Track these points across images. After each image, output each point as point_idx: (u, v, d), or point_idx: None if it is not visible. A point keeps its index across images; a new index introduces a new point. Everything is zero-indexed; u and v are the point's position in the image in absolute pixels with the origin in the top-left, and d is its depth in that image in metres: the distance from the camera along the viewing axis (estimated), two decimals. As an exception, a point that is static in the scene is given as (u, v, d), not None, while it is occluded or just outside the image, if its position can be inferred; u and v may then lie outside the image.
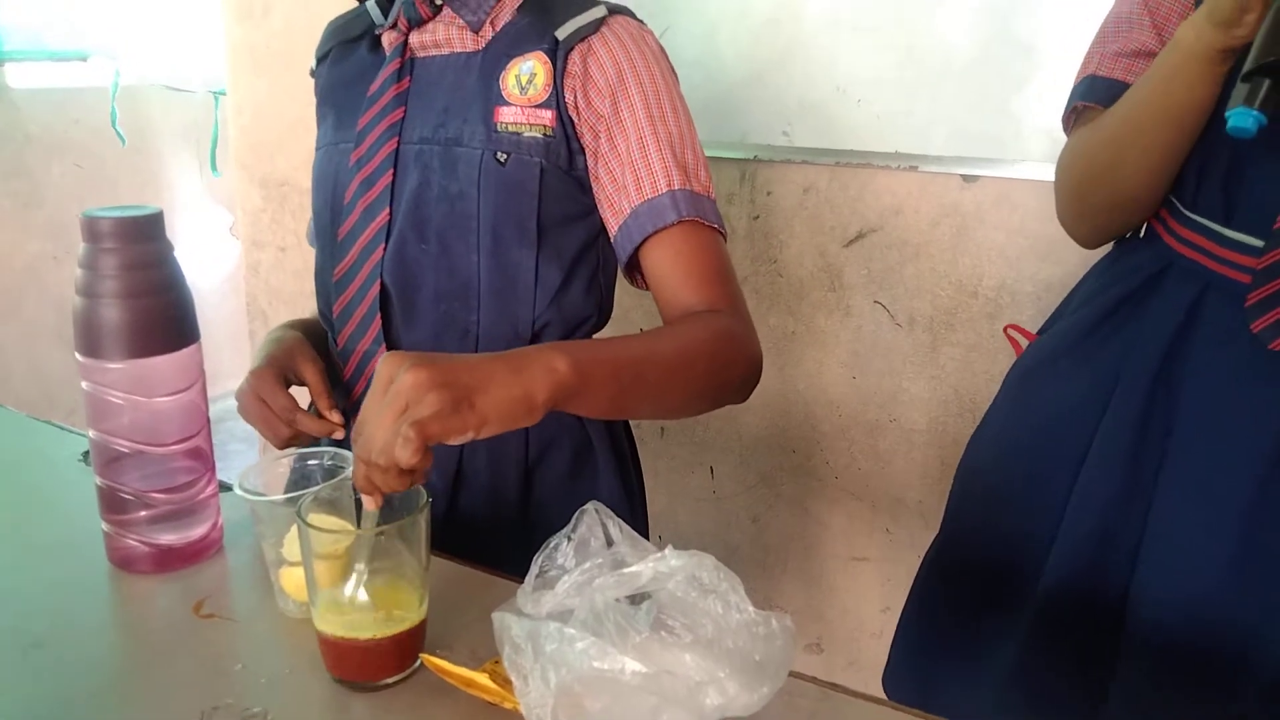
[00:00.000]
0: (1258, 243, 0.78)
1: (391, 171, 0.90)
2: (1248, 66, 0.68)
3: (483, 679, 0.61)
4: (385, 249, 0.90)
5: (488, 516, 0.92)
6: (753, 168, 1.48)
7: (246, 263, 2.11)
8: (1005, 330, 0.99)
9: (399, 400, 0.59)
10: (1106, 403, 0.86)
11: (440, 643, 0.66)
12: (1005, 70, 1.25)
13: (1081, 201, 0.91)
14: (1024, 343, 0.98)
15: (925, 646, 1.03)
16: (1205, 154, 0.81)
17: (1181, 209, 0.85)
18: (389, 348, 0.91)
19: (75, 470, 0.94)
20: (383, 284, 0.90)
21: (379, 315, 0.91)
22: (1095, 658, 0.86)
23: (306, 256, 1.93)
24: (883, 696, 0.66)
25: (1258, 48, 0.68)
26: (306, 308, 1.80)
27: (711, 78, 1.45)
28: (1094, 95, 0.89)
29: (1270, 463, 0.77)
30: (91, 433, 0.75)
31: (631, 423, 1.66)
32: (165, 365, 0.74)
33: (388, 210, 0.90)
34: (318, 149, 0.98)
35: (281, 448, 0.91)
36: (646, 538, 0.97)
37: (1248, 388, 0.79)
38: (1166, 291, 0.85)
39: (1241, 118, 0.67)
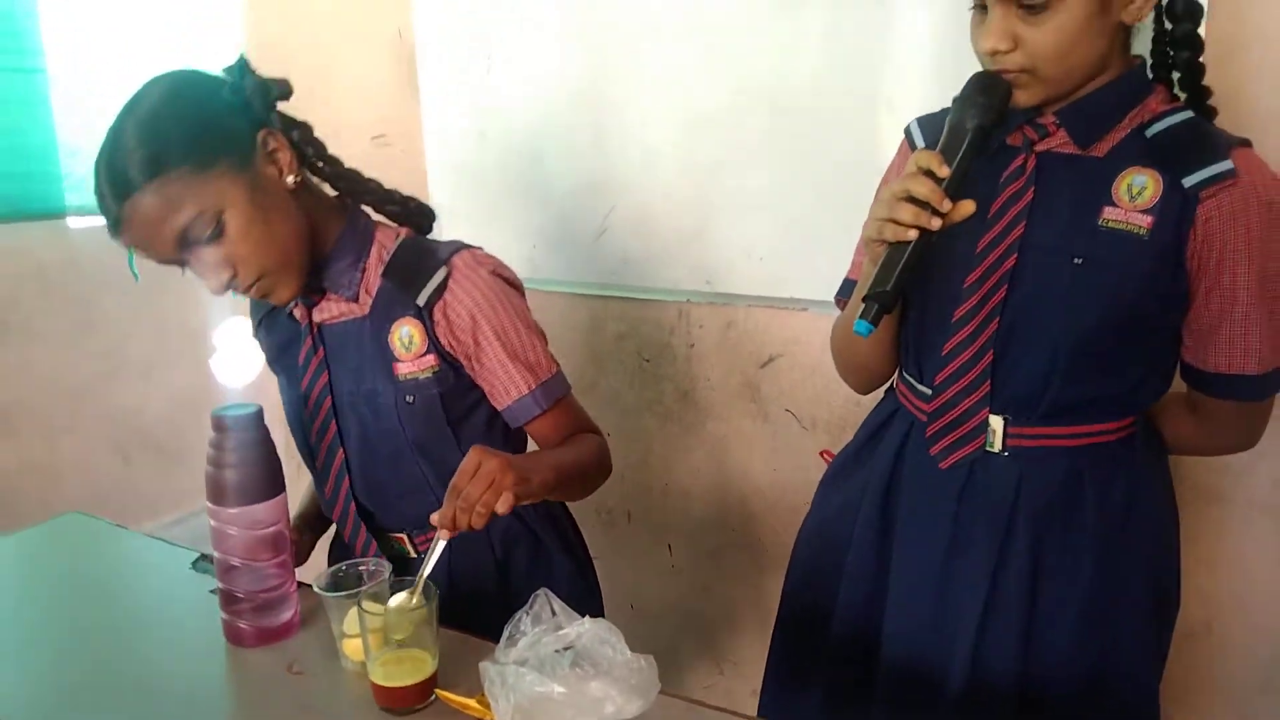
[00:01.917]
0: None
1: (335, 421, 1.27)
2: (864, 293, 1.00)
3: (473, 704, 0.99)
4: (350, 478, 1.29)
5: (474, 604, 1.29)
6: (687, 308, 1.88)
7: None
8: (821, 454, 1.38)
9: (489, 476, 1.02)
10: (861, 506, 1.23)
11: (448, 683, 1.03)
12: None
13: (839, 364, 1.30)
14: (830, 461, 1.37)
15: (778, 694, 1.39)
16: (907, 335, 1.19)
17: (902, 371, 1.23)
18: (376, 538, 1.31)
19: (188, 575, 1.32)
20: (357, 500, 1.30)
21: (363, 524, 1.30)
22: (866, 681, 1.22)
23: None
24: (738, 711, 1.02)
25: (872, 280, 1.00)
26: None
27: (650, 242, 1.86)
28: (845, 293, 1.25)
29: (949, 544, 1.14)
30: (216, 554, 1.13)
31: (601, 511, 2.05)
32: (264, 509, 1.12)
33: (342, 450, 1.28)
34: (284, 399, 1.35)
35: None
36: (599, 593, 1.38)
37: (933, 494, 1.16)
38: (892, 428, 1.22)
39: (860, 325, 0.98)
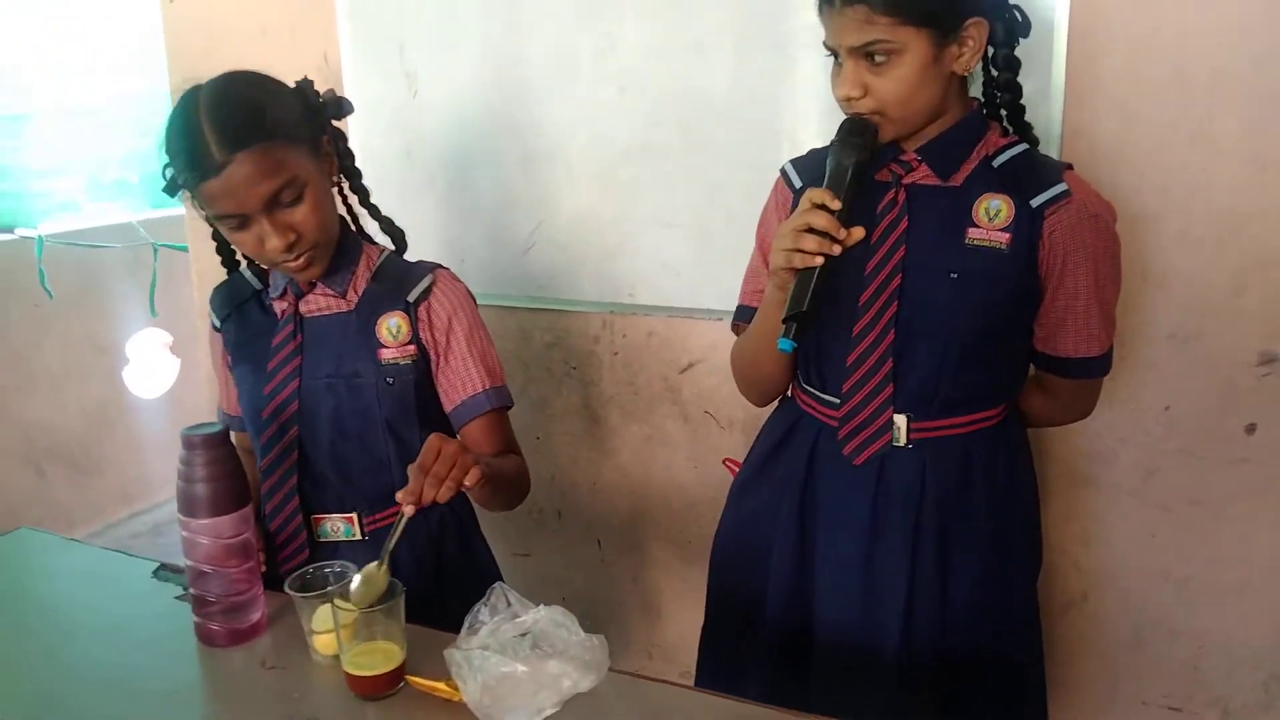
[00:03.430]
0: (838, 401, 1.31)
1: (296, 402, 1.38)
2: (783, 315, 1.15)
3: (442, 686, 1.10)
4: (299, 455, 1.39)
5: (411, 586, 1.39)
6: (611, 318, 2.01)
7: (209, 394, 2.55)
8: (724, 462, 1.53)
9: (452, 458, 1.14)
10: (779, 507, 1.38)
11: (417, 669, 1.13)
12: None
13: (740, 382, 1.46)
14: (735, 469, 1.52)
15: (713, 673, 1.52)
16: (807, 351, 1.34)
17: (802, 383, 1.39)
18: (307, 524, 1.41)
19: (150, 584, 1.39)
20: (300, 477, 1.39)
21: (296, 497, 1.40)
22: (801, 661, 1.36)
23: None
24: (665, 680, 1.15)
25: (787, 304, 1.15)
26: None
27: (576, 257, 1.98)
28: (741, 318, 1.43)
29: (869, 534, 1.29)
30: (187, 561, 1.21)
31: (532, 510, 2.15)
32: (231, 520, 1.20)
33: (296, 427, 1.39)
34: (243, 386, 1.44)
35: None
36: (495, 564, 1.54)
37: (849, 490, 1.31)
38: (799, 434, 1.37)
39: (783, 343, 1.15)
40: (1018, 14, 1.26)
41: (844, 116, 1.23)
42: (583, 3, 1.84)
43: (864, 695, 1.32)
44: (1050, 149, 1.53)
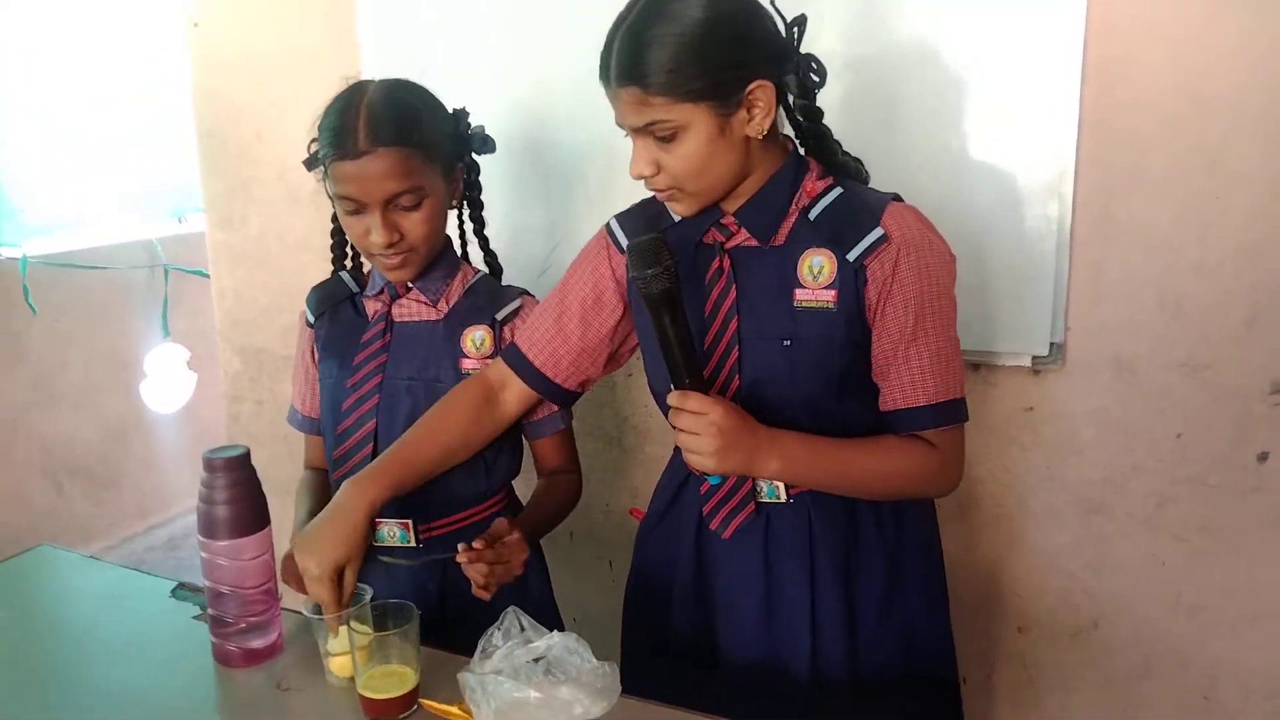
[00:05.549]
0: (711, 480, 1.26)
1: (377, 396, 1.44)
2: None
3: (455, 710, 1.11)
4: (372, 447, 1.42)
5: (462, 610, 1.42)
6: (625, 340, 2.02)
7: (229, 413, 2.57)
8: (630, 512, 1.54)
9: (509, 559, 1.25)
10: (676, 558, 1.35)
11: (430, 693, 1.14)
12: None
13: None
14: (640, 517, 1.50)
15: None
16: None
17: None
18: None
19: (169, 604, 1.41)
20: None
21: None
22: (705, 678, 1.34)
23: (279, 408, 2.39)
24: (667, 704, 1.14)
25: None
26: (279, 451, 2.28)
27: (590, 278, 2.00)
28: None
29: (763, 587, 1.28)
30: (207, 582, 1.23)
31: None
32: (251, 541, 1.22)
33: (374, 420, 1.43)
34: (326, 381, 1.49)
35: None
36: (551, 595, 1.55)
37: (739, 548, 1.29)
38: (689, 491, 1.35)
39: (713, 479, 1.23)
40: (811, 64, 1.18)
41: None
42: (606, 33, 1.86)
43: None
44: (1065, 179, 1.54)
